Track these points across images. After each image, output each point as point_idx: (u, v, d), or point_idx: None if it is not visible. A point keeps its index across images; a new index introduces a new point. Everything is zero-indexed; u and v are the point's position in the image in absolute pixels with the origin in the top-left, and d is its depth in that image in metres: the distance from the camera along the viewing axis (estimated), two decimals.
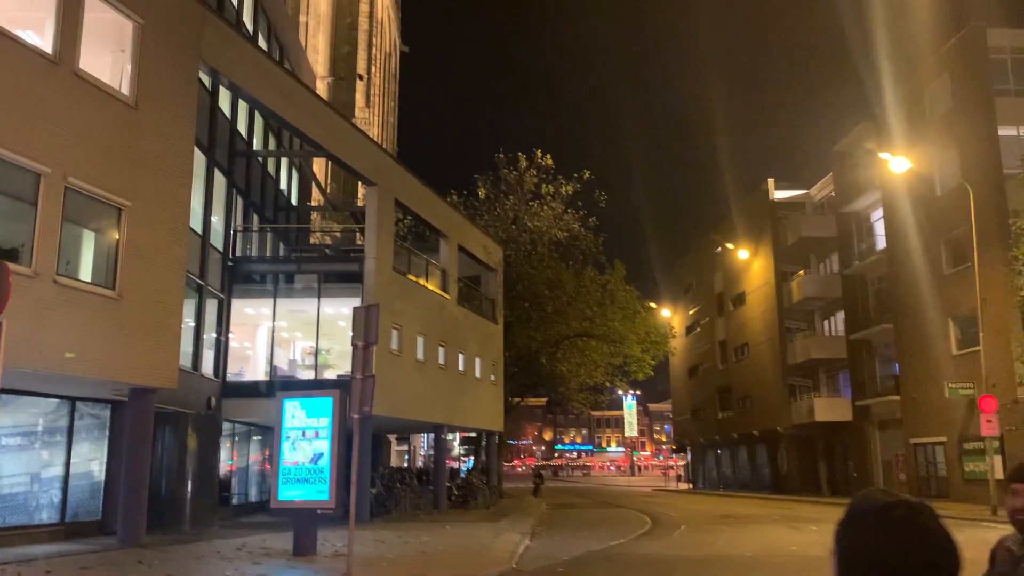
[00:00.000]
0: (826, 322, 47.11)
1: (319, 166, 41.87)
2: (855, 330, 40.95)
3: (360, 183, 32.29)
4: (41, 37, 14.27)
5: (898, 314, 36.70)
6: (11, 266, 10.29)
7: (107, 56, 15.96)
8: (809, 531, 21.19)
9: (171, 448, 18.19)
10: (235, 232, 24.29)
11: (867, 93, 40.17)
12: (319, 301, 24.18)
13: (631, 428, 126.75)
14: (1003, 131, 31.19)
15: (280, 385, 21.14)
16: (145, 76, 15.54)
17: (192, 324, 20.38)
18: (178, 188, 16.38)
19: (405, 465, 44.82)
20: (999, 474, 25.86)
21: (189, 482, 18.26)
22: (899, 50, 37.86)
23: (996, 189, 30.28)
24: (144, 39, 15.62)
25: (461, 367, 30.18)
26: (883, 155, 34.00)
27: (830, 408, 43.12)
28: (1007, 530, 2.67)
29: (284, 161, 30.85)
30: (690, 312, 67.53)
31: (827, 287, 44.50)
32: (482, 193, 39.07)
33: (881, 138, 37.77)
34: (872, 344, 40.29)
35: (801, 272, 46.97)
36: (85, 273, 14.81)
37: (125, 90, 15.32)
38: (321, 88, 55.45)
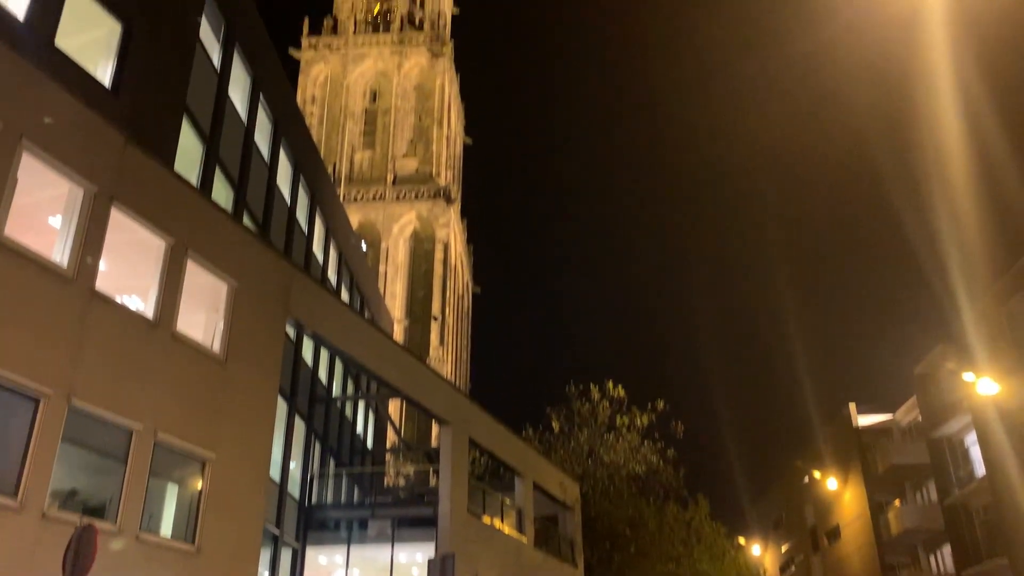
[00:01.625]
0: (932, 557, 43.53)
1: (394, 407, 42.61)
2: (966, 565, 37.65)
3: (434, 422, 32.56)
4: (144, 302, 15.45)
5: (1012, 546, 33.77)
6: (97, 524, 10.51)
7: (201, 315, 17.07)
8: None
9: None
10: (312, 478, 24.42)
11: (943, 311, 39.87)
12: (392, 547, 23.61)
13: None
14: None
15: None
16: (236, 333, 16.49)
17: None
18: (260, 439, 16.80)
19: None
20: None
21: None
22: (971, 267, 37.94)
23: None
24: (237, 299, 16.75)
25: None
26: (967, 376, 33.00)
27: None
28: None
29: (361, 403, 31.55)
30: (782, 548, 63.38)
31: (927, 518, 41.60)
32: (556, 427, 38.79)
33: (963, 358, 36.83)
34: None
35: (897, 502, 44.25)
36: (166, 527, 14.94)
37: (216, 347, 16.21)
38: (398, 331, 57.72)
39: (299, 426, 23.25)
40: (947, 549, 40.89)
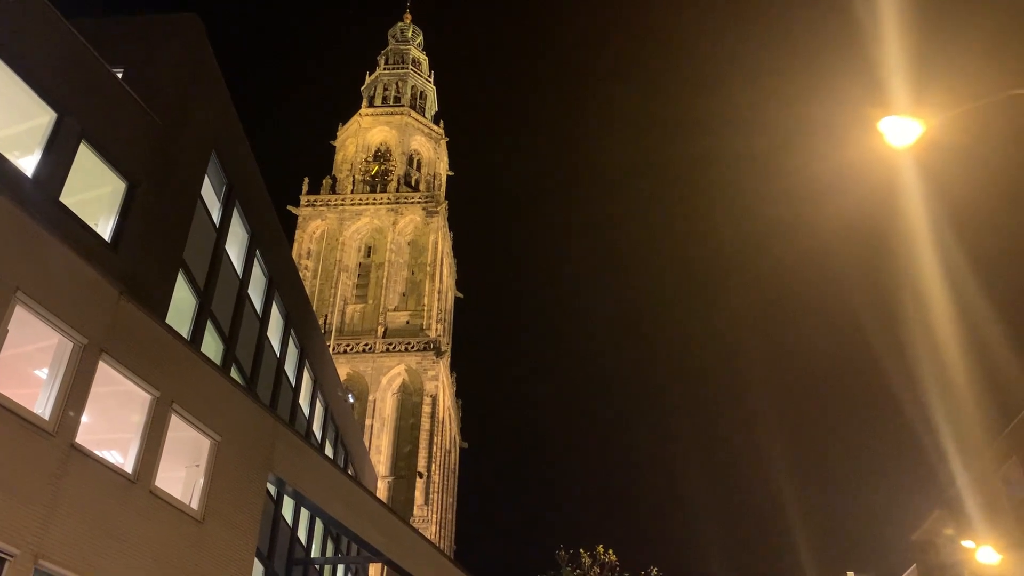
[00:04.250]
0: None
1: (375, 570, 40.88)
2: None
3: None
4: (124, 456, 15.09)
5: None
6: None
7: (181, 471, 16.64)
8: None
9: None
10: None
11: (937, 474, 39.24)
12: None
13: None
14: None
15: None
16: (215, 490, 16.01)
17: None
18: None
19: None
20: None
21: None
22: (963, 430, 37.64)
23: None
24: (219, 454, 16.37)
25: None
26: (967, 543, 32.12)
27: None
28: None
29: (341, 567, 30.27)
30: None
31: None
32: None
33: (961, 524, 35.95)
34: None
35: None
36: None
37: (195, 504, 15.68)
38: (382, 487, 56.29)
39: None
40: None
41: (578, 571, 36.88)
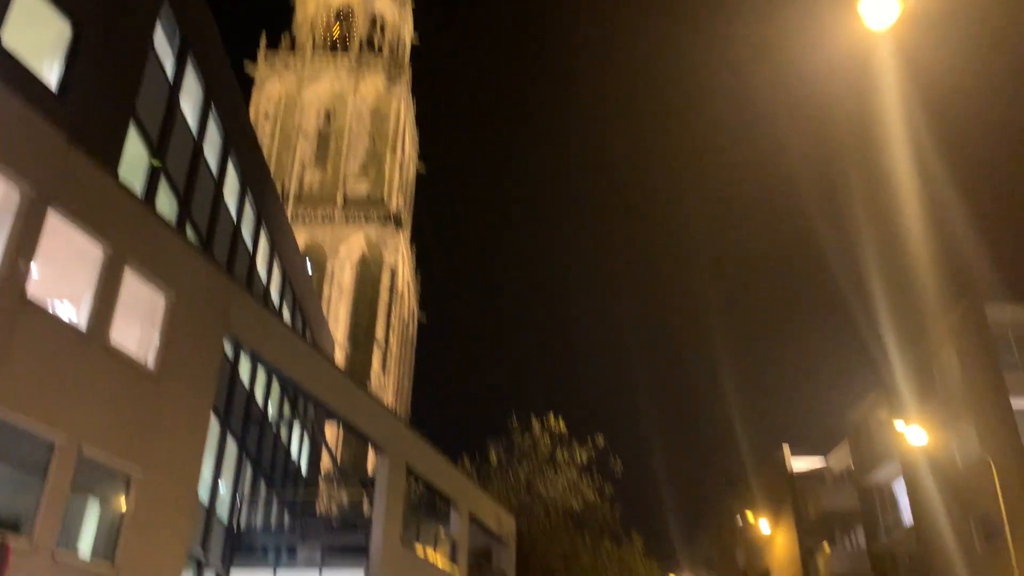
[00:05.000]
0: None
1: (331, 432, 41.87)
2: None
3: (371, 449, 32.05)
4: (77, 311, 14.91)
5: None
6: (10, 541, 9.96)
7: (136, 328, 16.52)
8: None
9: None
10: (241, 501, 23.75)
11: (875, 360, 40.83)
12: (320, 574, 23.04)
13: None
14: (1017, 404, 30.94)
15: None
16: (171, 348, 15.99)
17: None
18: (190, 458, 16.27)
19: None
20: None
21: None
22: (902, 318, 39.05)
23: (1019, 464, 29.60)
24: (174, 313, 16.27)
25: None
26: (898, 425, 33.79)
27: None
28: None
29: (297, 426, 30.91)
30: None
31: (856, 564, 42.25)
32: (494, 459, 38.61)
33: (894, 408, 37.73)
34: None
35: (826, 546, 44.86)
36: (85, 545, 14.29)
37: (150, 361, 15.67)
38: (339, 355, 56.91)
39: (231, 446, 22.65)
40: None
41: (528, 438, 38.17)
